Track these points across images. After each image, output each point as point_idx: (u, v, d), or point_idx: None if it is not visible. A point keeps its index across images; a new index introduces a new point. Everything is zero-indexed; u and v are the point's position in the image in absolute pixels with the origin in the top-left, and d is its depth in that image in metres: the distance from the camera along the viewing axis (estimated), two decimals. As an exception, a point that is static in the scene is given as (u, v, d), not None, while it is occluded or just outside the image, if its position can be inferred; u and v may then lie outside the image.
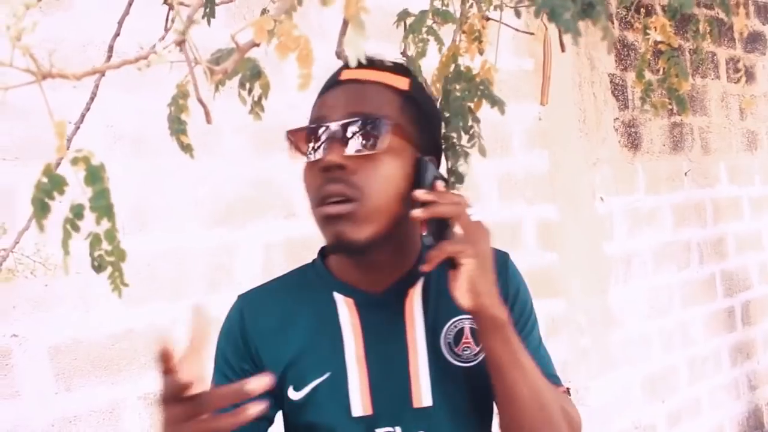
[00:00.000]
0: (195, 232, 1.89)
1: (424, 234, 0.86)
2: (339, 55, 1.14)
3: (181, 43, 0.62)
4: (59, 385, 1.65)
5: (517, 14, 0.59)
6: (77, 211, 0.61)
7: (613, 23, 3.25)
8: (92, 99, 1.00)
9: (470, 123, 0.93)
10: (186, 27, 0.61)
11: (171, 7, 1.36)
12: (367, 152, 0.86)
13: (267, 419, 0.97)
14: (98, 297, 1.71)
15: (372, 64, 0.94)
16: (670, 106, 0.95)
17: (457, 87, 0.90)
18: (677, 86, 0.86)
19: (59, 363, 1.66)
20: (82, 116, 1.01)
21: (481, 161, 1.17)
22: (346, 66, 0.94)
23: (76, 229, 0.62)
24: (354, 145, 0.86)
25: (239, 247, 1.96)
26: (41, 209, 0.59)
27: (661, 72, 0.93)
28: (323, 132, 0.87)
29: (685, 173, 3.57)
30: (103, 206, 0.60)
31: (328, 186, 0.86)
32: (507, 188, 2.70)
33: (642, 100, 1.00)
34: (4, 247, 0.98)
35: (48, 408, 1.64)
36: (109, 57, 1.06)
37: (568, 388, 1.02)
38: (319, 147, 0.87)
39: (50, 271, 1.05)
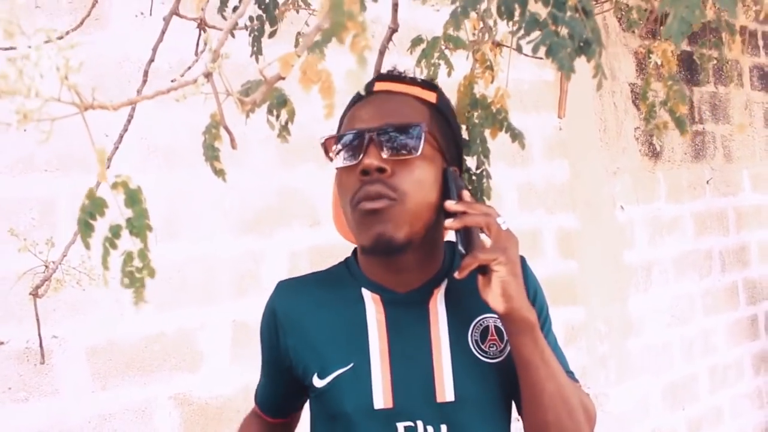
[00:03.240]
0: (223, 240, 1.97)
1: (455, 243, 0.91)
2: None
3: (208, 76, 0.69)
4: (95, 384, 1.74)
5: (518, 49, 0.65)
6: (115, 231, 0.68)
7: (634, 32, 3.28)
8: (129, 121, 1.08)
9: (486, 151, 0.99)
10: (214, 60, 0.68)
11: (203, 30, 1.44)
12: (405, 156, 0.91)
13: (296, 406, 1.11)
14: (131, 299, 1.79)
15: (402, 78, 0.99)
16: (671, 128, 1.00)
17: (475, 114, 0.96)
18: (675, 109, 0.91)
19: (96, 363, 1.74)
20: (120, 137, 1.09)
21: (503, 169, 1.24)
22: (377, 78, 1.00)
23: (114, 247, 0.69)
24: (392, 150, 0.91)
25: (266, 255, 2.04)
26: (85, 228, 0.66)
27: (662, 94, 0.98)
28: (359, 138, 0.92)
29: (707, 181, 3.58)
30: (142, 226, 0.67)
31: (368, 186, 0.90)
32: (527, 197, 2.74)
33: (646, 120, 1.05)
34: (52, 260, 1.06)
35: (85, 406, 1.73)
36: (145, 81, 1.14)
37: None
38: (355, 152, 0.92)
39: (94, 281, 1.13)
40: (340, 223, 1.11)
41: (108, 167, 1.08)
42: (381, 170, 0.90)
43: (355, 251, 1.07)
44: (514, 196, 2.69)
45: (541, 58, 0.70)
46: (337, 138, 0.95)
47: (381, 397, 0.95)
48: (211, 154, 0.68)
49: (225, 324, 1.95)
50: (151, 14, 1.76)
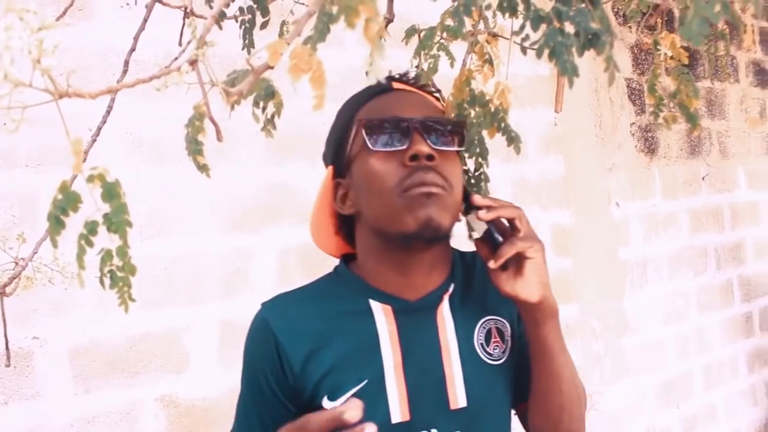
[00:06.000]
0: (211, 237, 1.92)
1: (490, 234, 0.94)
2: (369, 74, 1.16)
3: (193, 63, 0.63)
4: (78, 386, 1.69)
5: (523, 51, 0.60)
6: (91, 228, 0.63)
7: (630, 27, 3.24)
8: (108, 113, 1.03)
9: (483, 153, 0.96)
10: (199, 47, 0.63)
11: (187, 16, 1.38)
12: (449, 149, 0.92)
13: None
14: (116, 301, 1.74)
15: (418, 82, 0.99)
16: (681, 122, 0.95)
17: (473, 113, 0.91)
18: (687, 103, 0.87)
19: (78, 365, 1.69)
20: (99, 129, 1.03)
21: (497, 164, 1.20)
22: (392, 79, 1.00)
23: (90, 244, 0.63)
24: (436, 141, 0.91)
25: (254, 252, 1.99)
26: (56, 225, 0.61)
27: (672, 87, 0.94)
28: (404, 125, 0.91)
29: (703, 178, 3.55)
30: (121, 222, 0.62)
31: (421, 174, 0.89)
32: (521, 193, 2.70)
33: (654, 114, 1.00)
34: (22, 256, 1.01)
35: (67, 409, 1.68)
36: (125, 71, 1.08)
37: None
38: (401, 139, 0.91)
39: (67, 279, 1.08)
40: (320, 231, 1.06)
41: (84, 160, 1.03)
42: (430, 158, 0.90)
43: (343, 261, 1.03)
44: (508, 191, 2.65)
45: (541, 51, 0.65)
46: (378, 122, 0.93)
47: (398, 410, 0.93)
48: (194, 148, 0.63)
49: (212, 324, 1.90)
50: (136, 4, 1.71)
